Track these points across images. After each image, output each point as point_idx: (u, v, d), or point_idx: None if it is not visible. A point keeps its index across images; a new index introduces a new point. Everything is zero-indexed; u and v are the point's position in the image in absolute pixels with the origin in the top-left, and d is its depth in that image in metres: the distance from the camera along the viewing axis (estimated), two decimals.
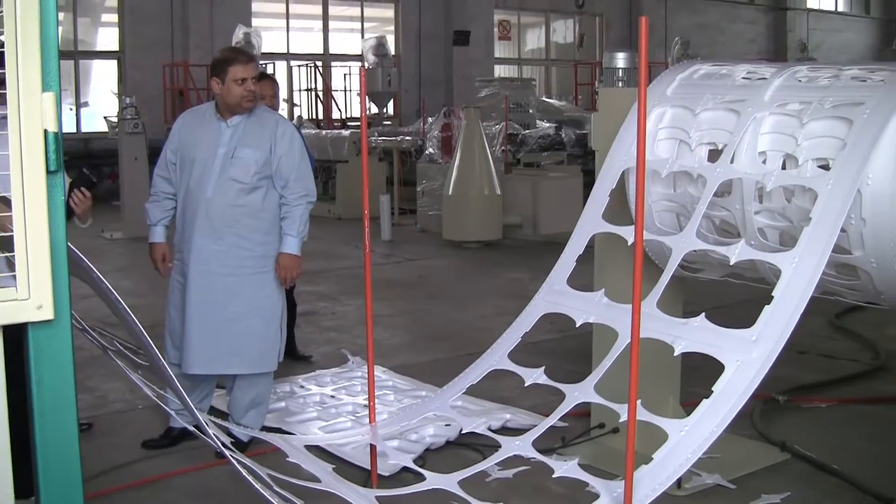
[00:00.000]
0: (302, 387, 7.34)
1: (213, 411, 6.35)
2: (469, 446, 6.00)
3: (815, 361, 7.91)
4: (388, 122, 25.04)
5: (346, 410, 6.79)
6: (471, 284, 12.25)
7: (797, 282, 4.21)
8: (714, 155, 4.94)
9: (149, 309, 8.60)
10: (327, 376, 7.65)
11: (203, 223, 5.89)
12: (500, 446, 4.58)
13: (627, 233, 4.85)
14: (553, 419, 4.56)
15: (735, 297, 6.95)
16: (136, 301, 9.78)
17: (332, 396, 7.11)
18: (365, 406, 6.10)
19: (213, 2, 25.31)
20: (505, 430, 6.05)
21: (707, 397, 4.08)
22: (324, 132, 21.11)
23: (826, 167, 4.49)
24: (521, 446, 4.51)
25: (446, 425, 6.22)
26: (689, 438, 4.02)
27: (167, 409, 5.10)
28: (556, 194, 15.83)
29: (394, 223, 16.63)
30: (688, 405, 5.90)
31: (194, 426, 4.48)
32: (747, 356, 4.11)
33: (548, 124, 21.43)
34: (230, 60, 5.92)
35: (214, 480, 5.70)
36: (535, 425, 4.71)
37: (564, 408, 4.51)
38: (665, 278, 4.65)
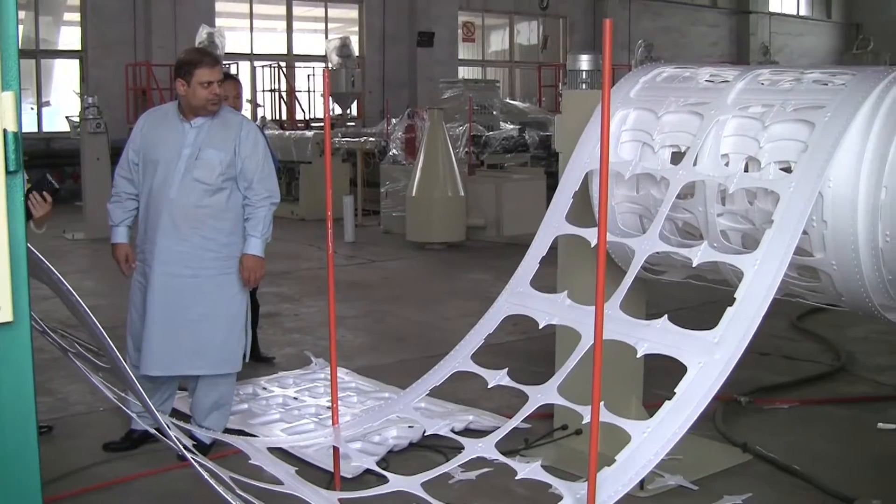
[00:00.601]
0: (265, 388, 7.32)
1: (176, 413, 6.31)
2: (432, 448, 5.99)
3: (777, 363, 7.96)
4: (352, 123, 25.01)
5: (309, 412, 6.77)
6: (434, 286, 12.25)
7: (759, 284, 4.23)
8: (677, 157, 4.96)
9: (111, 310, 8.55)
10: (290, 378, 7.63)
11: (167, 224, 5.86)
12: (463, 448, 4.56)
13: (591, 234, 4.85)
14: (516, 421, 4.56)
15: (697, 299, 7.00)
16: (98, 302, 9.73)
17: (295, 398, 7.09)
18: (328, 408, 6.09)
19: (177, 1, 25.18)
20: (468, 432, 6.03)
21: (670, 398, 4.09)
22: (287, 133, 21.08)
23: (788, 170, 4.52)
24: (484, 448, 4.50)
25: (409, 427, 6.21)
26: (651, 440, 4.02)
27: (129, 411, 5.07)
28: (519, 196, 15.90)
29: (357, 224, 16.62)
30: (650, 406, 5.92)
31: (156, 429, 4.45)
32: (710, 358, 4.12)
33: (511, 126, 21.47)
34: (196, 63, 5.89)
35: (176, 483, 5.66)
36: (498, 427, 4.71)
37: (527, 410, 4.50)
38: (628, 280, 4.66)
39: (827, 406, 7.00)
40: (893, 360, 8.17)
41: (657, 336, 4.37)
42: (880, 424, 6.52)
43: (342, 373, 7.45)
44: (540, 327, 4.94)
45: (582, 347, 4.48)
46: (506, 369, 4.78)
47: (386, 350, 8.82)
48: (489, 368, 4.84)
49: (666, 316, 4.41)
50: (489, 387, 4.82)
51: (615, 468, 3.97)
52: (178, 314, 5.88)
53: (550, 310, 4.92)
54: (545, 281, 5.39)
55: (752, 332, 4.13)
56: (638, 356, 4.40)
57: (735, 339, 4.12)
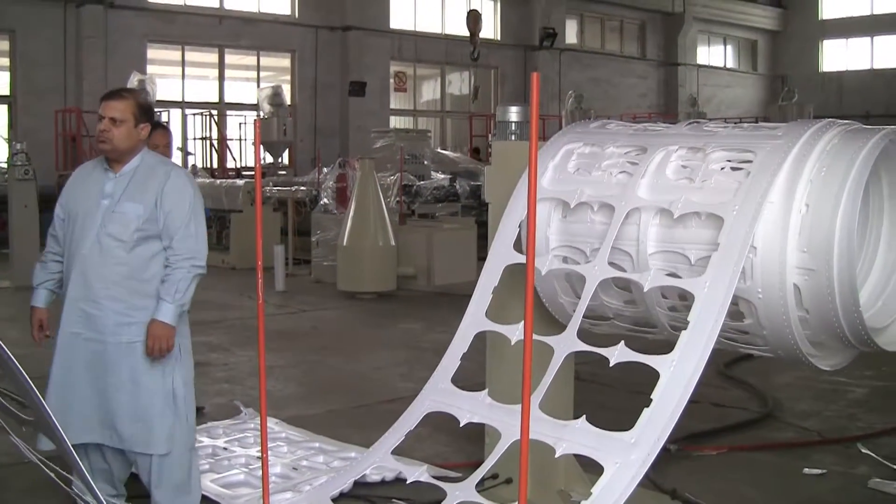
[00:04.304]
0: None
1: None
2: (363, 499, 5.95)
3: (706, 410, 8.02)
4: (283, 172, 25.00)
5: (239, 463, 6.70)
6: (365, 335, 12.23)
7: (675, 385, 4.31)
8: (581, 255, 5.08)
9: (36, 361, 8.36)
10: (220, 428, 7.55)
11: (78, 283, 5.20)
12: None
13: (510, 332, 4.97)
14: None
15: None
16: (23, 351, 9.50)
17: (225, 448, 7.02)
18: (258, 458, 6.03)
19: (108, 48, 25.10)
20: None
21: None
22: (218, 181, 21.07)
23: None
24: None
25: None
26: None
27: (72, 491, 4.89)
28: (450, 245, 15.96)
29: (288, 273, 16.55)
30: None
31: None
32: (626, 459, 4.19)
33: (442, 176, 21.60)
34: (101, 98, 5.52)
35: None
36: (399, 471, 4.72)
37: None
38: (547, 380, 4.68)
39: (754, 452, 7.07)
40: (818, 406, 8.28)
41: (576, 436, 4.45)
42: (806, 469, 6.59)
43: (272, 423, 7.40)
44: (461, 425, 4.98)
45: (502, 446, 4.61)
46: (425, 466, 4.86)
47: (316, 400, 8.77)
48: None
49: (584, 416, 4.49)
50: (408, 482, 4.99)
51: None
52: (81, 379, 5.25)
53: (472, 408, 4.97)
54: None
55: (667, 433, 4.23)
56: (556, 456, 4.46)
57: (651, 440, 4.21)
